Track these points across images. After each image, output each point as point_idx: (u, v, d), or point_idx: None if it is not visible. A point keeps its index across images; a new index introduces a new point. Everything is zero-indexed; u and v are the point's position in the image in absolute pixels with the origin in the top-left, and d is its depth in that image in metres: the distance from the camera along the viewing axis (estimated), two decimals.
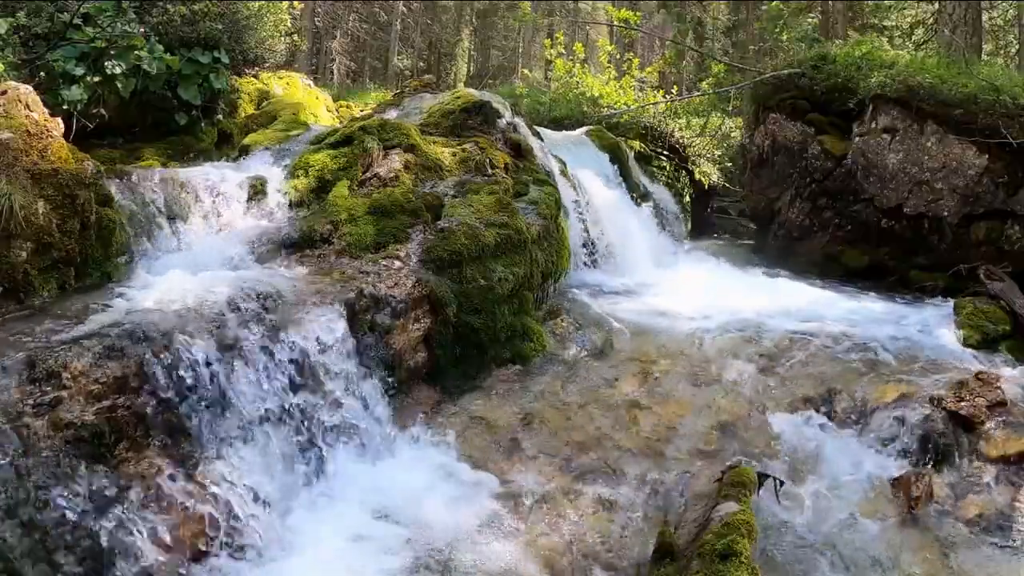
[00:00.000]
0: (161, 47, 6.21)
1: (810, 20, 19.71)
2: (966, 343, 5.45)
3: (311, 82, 10.85)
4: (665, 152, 11.12)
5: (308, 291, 4.26)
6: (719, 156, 11.92)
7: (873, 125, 7.76)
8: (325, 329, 4.04)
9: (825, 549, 3.48)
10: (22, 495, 2.61)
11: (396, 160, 5.93)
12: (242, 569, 3.14)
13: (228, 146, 7.22)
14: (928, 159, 7.31)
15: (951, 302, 6.13)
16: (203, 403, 3.35)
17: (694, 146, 11.56)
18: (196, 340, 3.45)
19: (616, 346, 5.49)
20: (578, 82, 12.67)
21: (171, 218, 4.97)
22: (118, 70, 5.81)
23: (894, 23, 18.89)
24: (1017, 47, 18.25)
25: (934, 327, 5.76)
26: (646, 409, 4.67)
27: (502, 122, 7.23)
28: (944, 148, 7.21)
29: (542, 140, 7.97)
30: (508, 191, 6.03)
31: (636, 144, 10.50)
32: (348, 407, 4.03)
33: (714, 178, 11.52)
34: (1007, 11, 18.03)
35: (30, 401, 2.86)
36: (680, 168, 11.23)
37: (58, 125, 4.21)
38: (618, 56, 14.44)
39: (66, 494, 2.73)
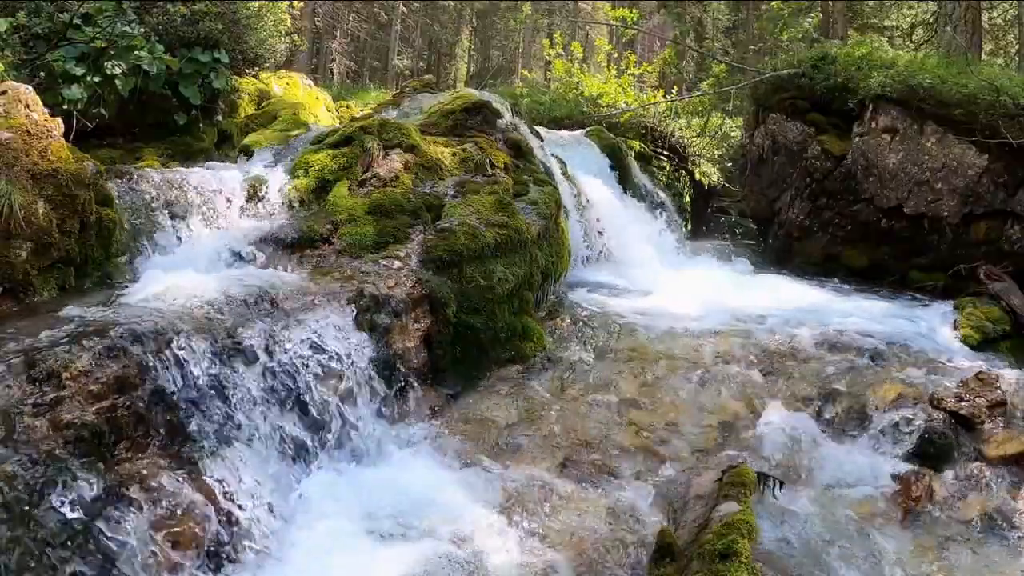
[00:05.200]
0: (161, 47, 6.21)
1: (810, 20, 19.72)
2: (966, 343, 5.45)
3: (311, 82, 10.86)
4: (665, 152, 11.13)
5: (308, 291, 4.25)
6: (719, 156, 11.92)
7: (873, 125, 7.75)
8: (324, 329, 4.04)
9: (825, 549, 3.47)
10: (21, 495, 2.61)
11: (396, 160, 5.93)
12: (240, 570, 3.14)
13: (228, 146, 7.23)
14: (928, 159, 7.31)
15: (951, 302, 6.13)
16: (203, 403, 3.35)
17: (694, 146, 11.56)
18: (196, 340, 3.46)
19: (616, 346, 5.49)
20: (577, 82, 12.69)
21: (171, 218, 4.97)
22: (118, 70, 5.81)
23: (894, 23, 18.92)
24: (1017, 47, 18.25)
25: (934, 327, 5.76)
26: (646, 409, 4.68)
27: (502, 122, 7.23)
28: (944, 148, 7.21)
29: (542, 140, 7.97)
30: (508, 191, 6.03)
31: (636, 144, 10.50)
32: (347, 408, 4.03)
33: (714, 178, 11.52)
34: (1007, 11, 18.03)
35: (30, 401, 2.85)
36: (680, 168, 11.23)
37: (58, 125, 4.21)
38: (616, 55, 14.47)
39: (66, 494, 2.72)
